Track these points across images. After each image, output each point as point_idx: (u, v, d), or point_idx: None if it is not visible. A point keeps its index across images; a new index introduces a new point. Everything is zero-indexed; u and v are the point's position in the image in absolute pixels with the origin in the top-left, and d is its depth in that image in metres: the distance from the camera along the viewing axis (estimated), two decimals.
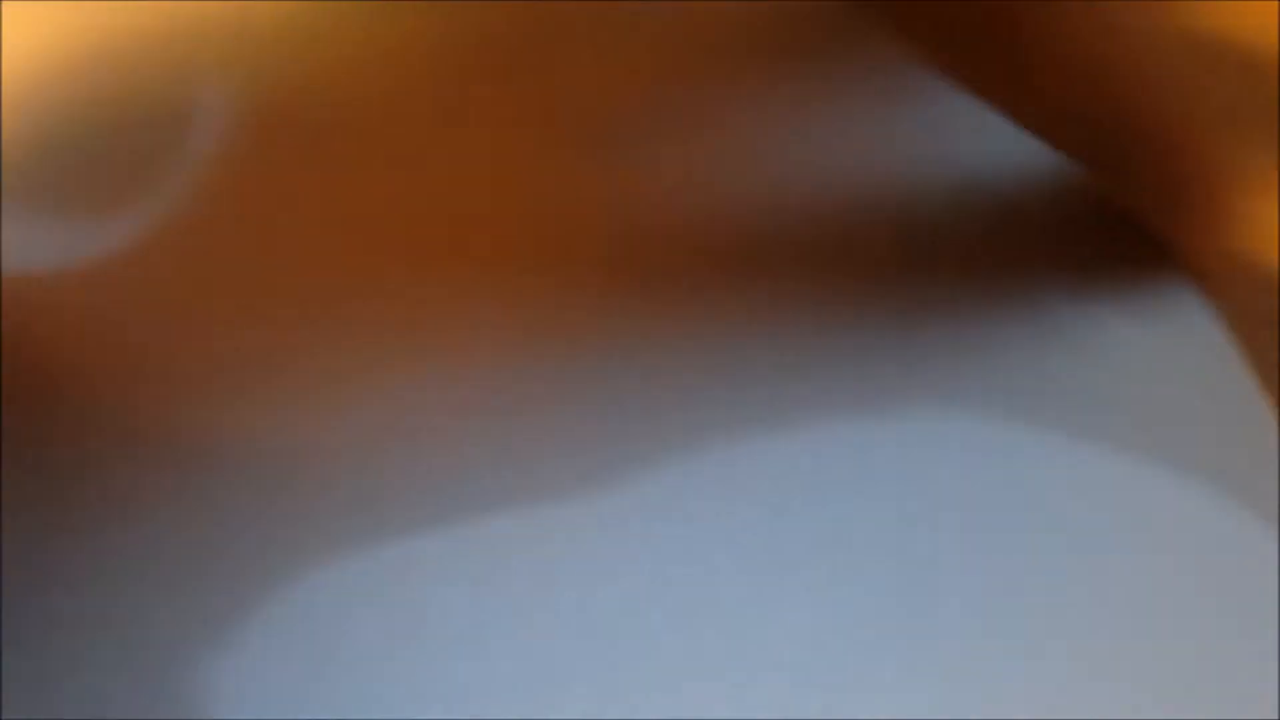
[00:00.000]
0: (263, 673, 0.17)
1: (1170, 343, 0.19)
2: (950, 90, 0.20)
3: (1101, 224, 0.20)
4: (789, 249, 0.20)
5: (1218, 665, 0.17)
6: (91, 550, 0.18)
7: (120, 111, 0.20)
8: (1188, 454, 0.18)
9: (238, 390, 0.19)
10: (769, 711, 0.17)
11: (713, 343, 0.19)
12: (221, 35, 0.21)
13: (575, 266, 0.20)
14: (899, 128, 0.21)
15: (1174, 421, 0.19)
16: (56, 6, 0.20)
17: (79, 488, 0.19)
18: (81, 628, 0.18)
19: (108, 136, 0.20)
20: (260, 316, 0.20)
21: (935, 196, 0.20)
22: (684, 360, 0.19)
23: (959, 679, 0.17)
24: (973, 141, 0.20)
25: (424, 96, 0.21)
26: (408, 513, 0.18)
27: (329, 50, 0.21)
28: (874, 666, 0.17)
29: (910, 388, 0.19)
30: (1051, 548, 0.18)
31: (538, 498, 0.18)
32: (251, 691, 0.17)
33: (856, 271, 0.20)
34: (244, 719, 0.17)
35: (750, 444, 0.18)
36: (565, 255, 0.20)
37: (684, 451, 0.18)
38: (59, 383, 0.19)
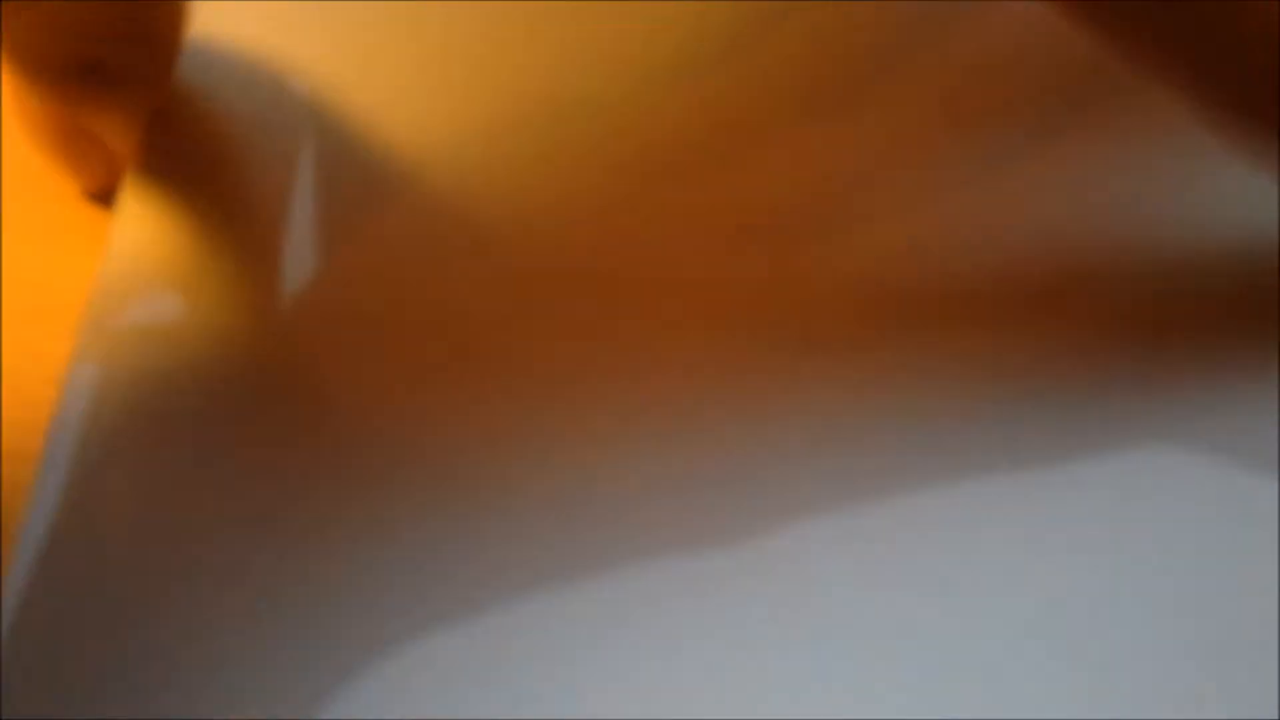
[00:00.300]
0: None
1: None
2: (1225, 151, 0.20)
3: None
4: (1028, 308, 0.20)
5: None
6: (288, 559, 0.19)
7: None
8: None
9: (469, 430, 0.20)
10: None
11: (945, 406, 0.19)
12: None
13: (782, 334, 0.20)
14: (1150, 184, 0.21)
15: None
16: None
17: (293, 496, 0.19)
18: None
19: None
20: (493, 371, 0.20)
21: (1192, 256, 0.20)
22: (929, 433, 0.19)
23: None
24: (1241, 208, 0.20)
25: (622, 194, 0.22)
26: (619, 561, 0.19)
27: (552, 152, 0.22)
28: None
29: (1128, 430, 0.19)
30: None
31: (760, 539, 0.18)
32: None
33: (1067, 331, 0.20)
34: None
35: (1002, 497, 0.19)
36: (759, 326, 0.20)
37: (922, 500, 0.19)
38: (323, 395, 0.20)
